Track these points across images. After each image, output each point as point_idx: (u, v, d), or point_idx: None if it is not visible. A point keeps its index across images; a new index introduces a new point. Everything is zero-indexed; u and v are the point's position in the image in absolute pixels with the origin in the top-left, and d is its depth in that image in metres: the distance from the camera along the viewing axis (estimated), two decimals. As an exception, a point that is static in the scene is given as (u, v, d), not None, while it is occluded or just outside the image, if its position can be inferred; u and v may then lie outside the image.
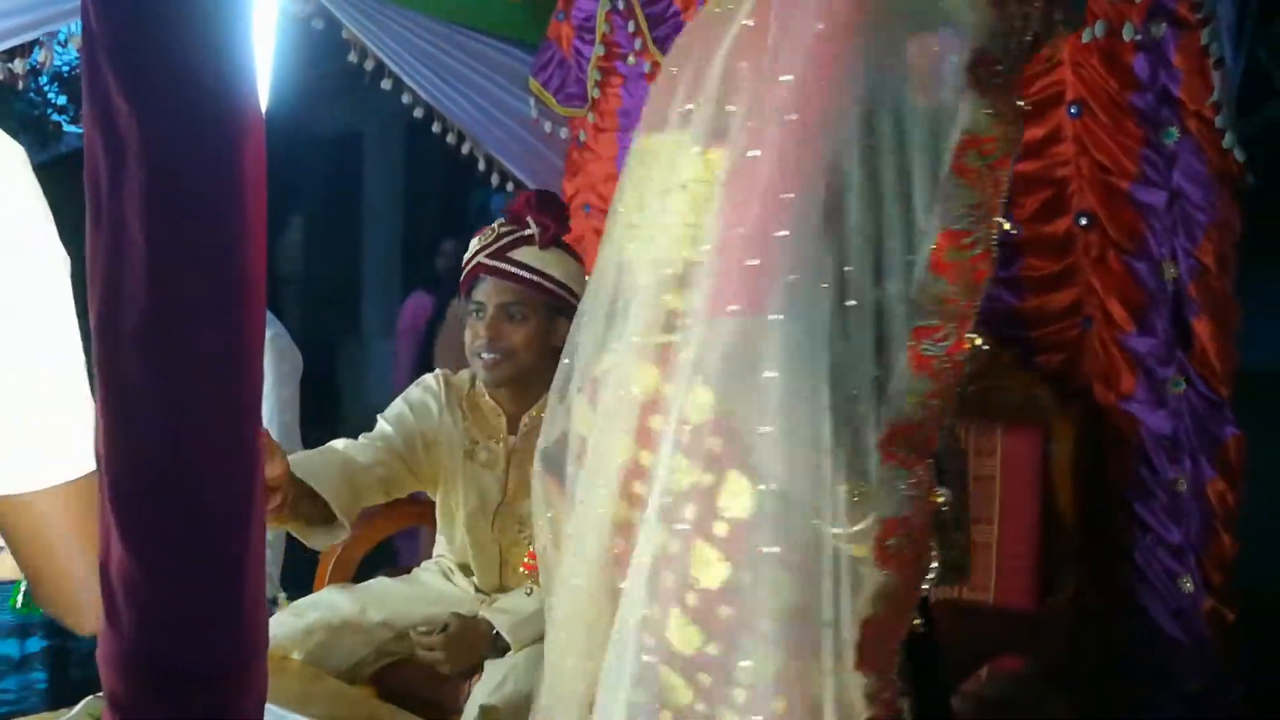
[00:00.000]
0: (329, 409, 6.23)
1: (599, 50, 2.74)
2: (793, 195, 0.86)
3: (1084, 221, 1.97)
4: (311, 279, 7.13)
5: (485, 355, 1.89)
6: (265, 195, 0.53)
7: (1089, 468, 1.97)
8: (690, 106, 0.95)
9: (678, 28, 2.58)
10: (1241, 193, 1.84)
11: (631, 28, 2.66)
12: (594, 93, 2.78)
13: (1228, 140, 1.78)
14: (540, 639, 1.87)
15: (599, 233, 2.84)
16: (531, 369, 1.89)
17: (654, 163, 1.00)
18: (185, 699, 0.50)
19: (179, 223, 0.49)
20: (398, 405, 2.01)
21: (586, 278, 2.78)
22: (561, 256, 1.92)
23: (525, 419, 1.97)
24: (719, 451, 0.89)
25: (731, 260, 0.89)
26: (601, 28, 2.72)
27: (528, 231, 1.88)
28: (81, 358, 0.68)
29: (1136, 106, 1.86)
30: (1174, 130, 1.83)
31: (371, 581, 2.12)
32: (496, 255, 1.88)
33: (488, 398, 2.00)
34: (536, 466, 1.14)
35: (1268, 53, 1.83)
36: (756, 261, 0.87)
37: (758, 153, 0.88)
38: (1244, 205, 1.85)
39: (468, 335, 1.92)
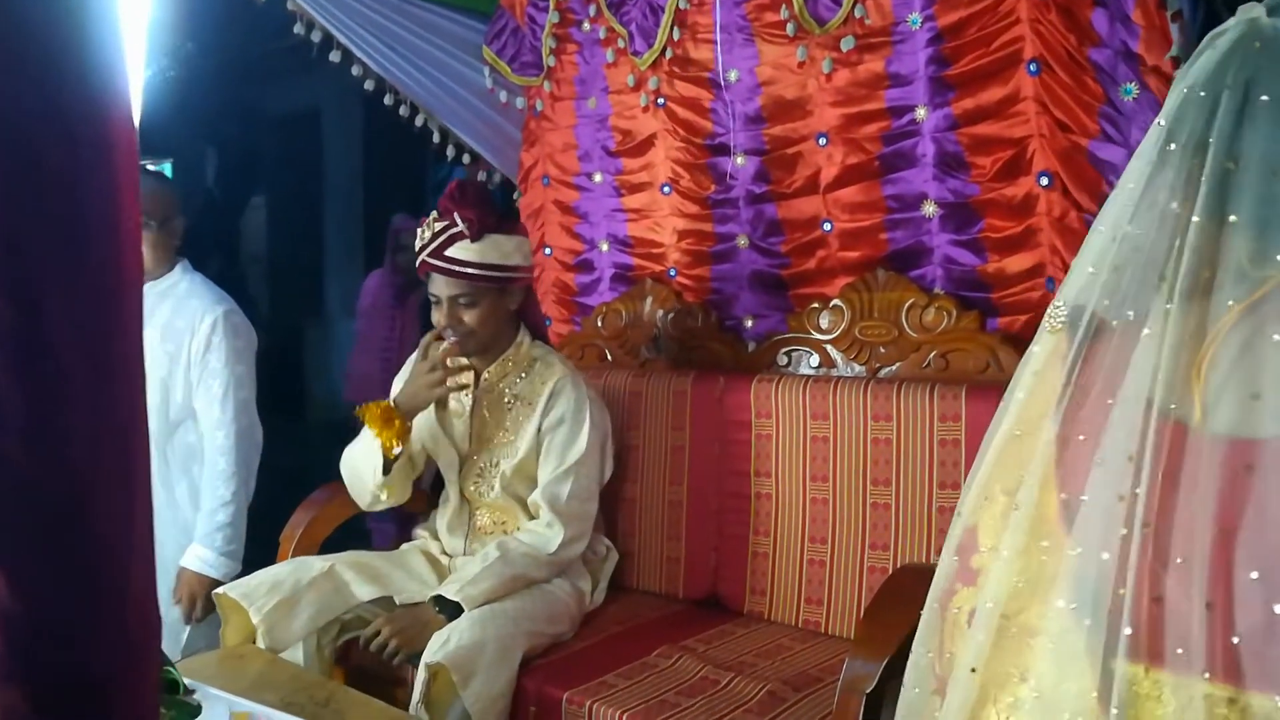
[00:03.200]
0: (294, 389, 6.15)
1: (553, 17, 2.68)
2: None
3: (1045, 181, 1.95)
4: (275, 259, 7.02)
5: (450, 337, 2.10)
6: (138, 176, 0.49)
7: (1053, 430, 1.96)
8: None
9: (632, -8, 2.52)
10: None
11: (586, -8, 2.60)
12: (549, 60, 2.72)
13: (1187, 95, 1.75)
14: (489, 599, 1.91)
15: (559, 204, 2.82)
16: (491, 337, 2.14)
17: None
18: (62, 715, 0.46)
19: (32, 204, 0.44)
20: None
21: (546, 249, 2.77)
22: (495, 241, 2.06)
23: (486, 373, 2.19)
24: None
25: None
26: (555, -7, 2.66)
27: (457, 228, 2.03)
28: None
29: (1095, 63, 1.84)
30: (1132, 86, 1.80)
31: (348, 552, 2.19)
32: (435, 255, 2.05)
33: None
34: None
35: (1226, 5, 1.80)
36: None
37: None
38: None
39: (434, 316, 2.12)
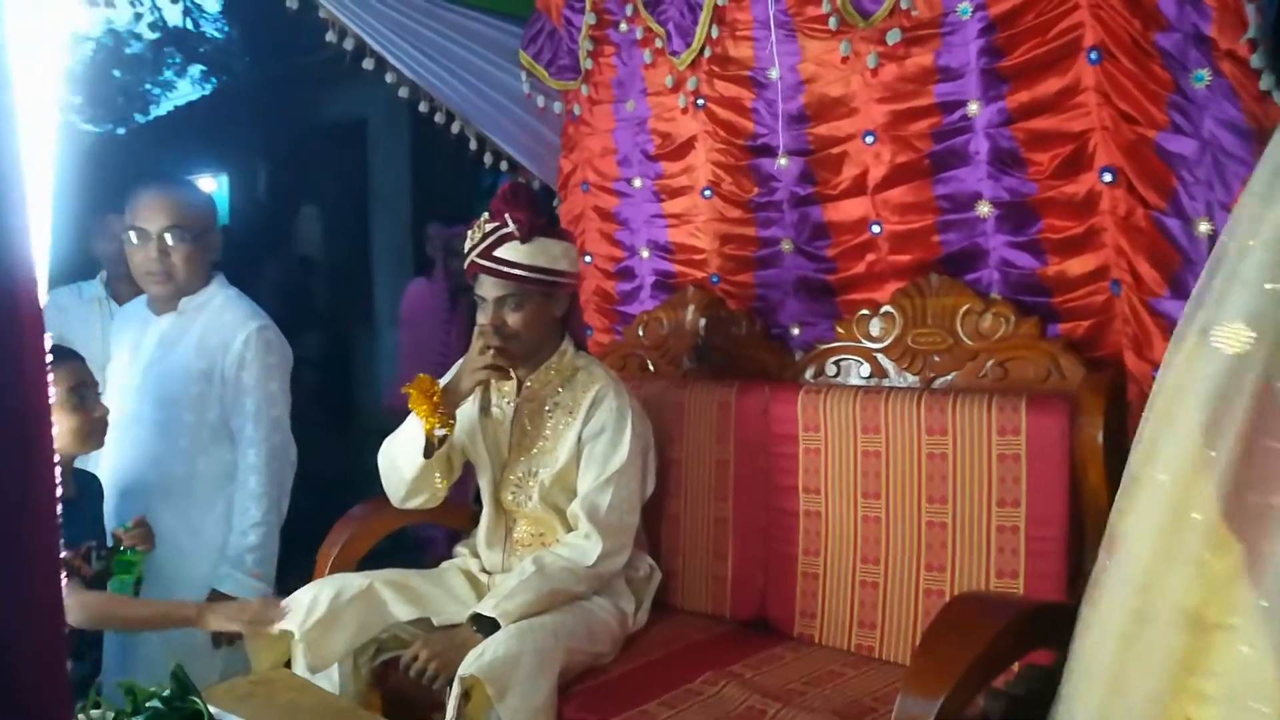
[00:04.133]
0: (343, 398, 6.17)
1: (590, 18, 2.61)
2: None
3: (1108, 178, 1.82)
4: (324, 269, 7.07)
5: (494, 341, 2.04)
6: (44, 359, 0.50)
7: (1121, 443, 1.84)
8: None
9: (670, -9, 2.44)
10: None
11: (623, -7, 2.52)
12: (586, 63, 2.65)
13: (1265, 82, 1.61)
14: (526, 614, 1.86)
15: (599, 210, 2.75)
16: (536, 341, 2.11)
17: None
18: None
19: None
20: None
21: (586, 257, 2.70)
22: (544, 244, 2.05)
23: (529, 380, 2.15)
24: None
25: None
26: (592, -6, 2.59)
27: (508, 229, 2.01)
28: None
29: (1163, 48, 1.71)
30: (1204, 73, 1.67)
31: (387, 569, 2.15)
32: (484, 255, 2.03)
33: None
34: None
35: (1307, -18, 1.67)
36: None
37: None
38: None
39: (479, 318, 2.08)
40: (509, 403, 2.17)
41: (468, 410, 2.16)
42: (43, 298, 0.55)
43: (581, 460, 2.07)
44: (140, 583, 2.04)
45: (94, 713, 1.44)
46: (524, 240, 2.01)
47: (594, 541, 2.01)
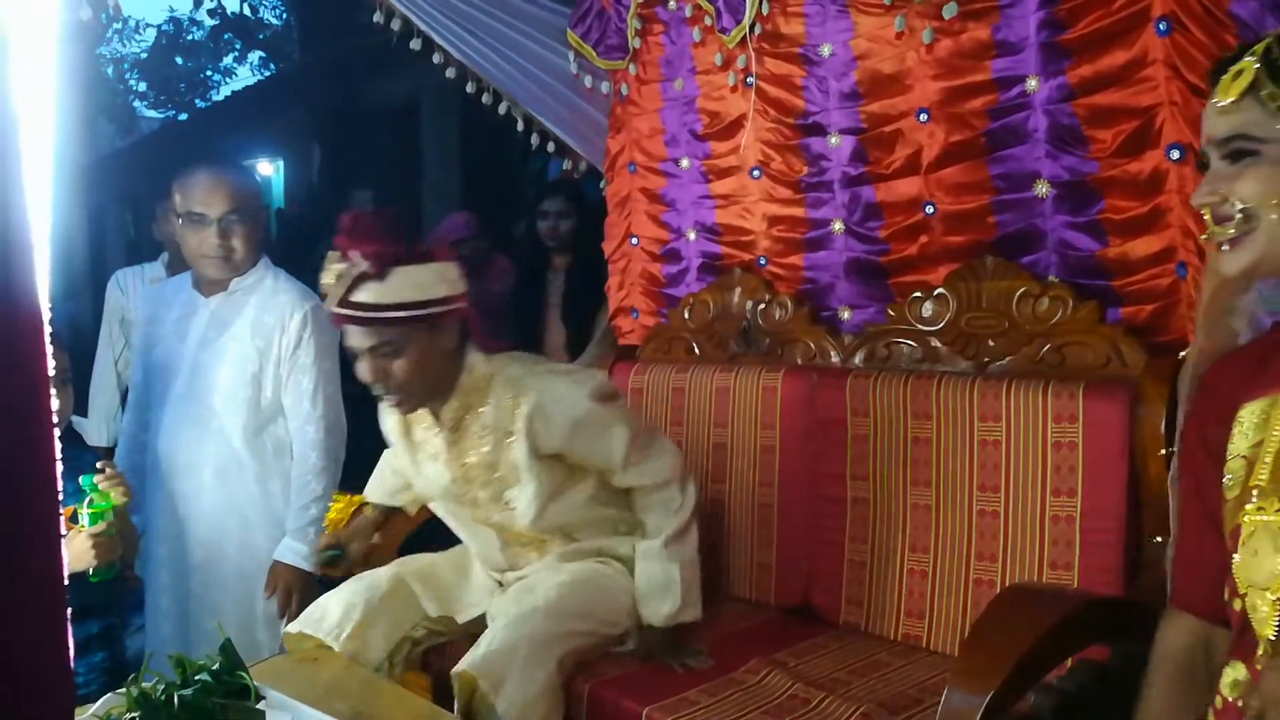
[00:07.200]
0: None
1: (639, -4, 2.57)
2: None
3: (1176, 155, 1.74)
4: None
5: (386, 397, 1.85)
6: (47, 369, 0.52)
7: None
8: None
9: (718, -34, 2.39)
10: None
11: (671, -31, 2.48)
12: (635, 42, 2.62)
13: (1347, 51, 1.52)
14: (685, 595, 1.89)
15: (646, 192, 2.72)
16: (433, 381, 1.84)
17: None
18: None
19: None
20: None
21: (633, 239, 2.66)
22: (409, 274, 1.74)
23: (444, 412, 1.90)
24: None
25: None
26: (640, -28, 2.55)
27: (361, 267, 1.71)
28: None
29: (1237, 16, 1.62)
30: (1282, 43, 1.58)
31: (413, 556, 2.15)
32: (342, 304, 1.74)
33: None
34: None
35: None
36: None
37: None
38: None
39: (358, 372, 1.83)
40: (437, 434, 1.93)
41: (402, 454, 2.03)
42: (43, 286, 0.54)
43: (580, 466, 1.91)
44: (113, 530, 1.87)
45: (145, 684, 1.46)
46: (380, 277, 1.71)
47: (673, 500, 1.92)
